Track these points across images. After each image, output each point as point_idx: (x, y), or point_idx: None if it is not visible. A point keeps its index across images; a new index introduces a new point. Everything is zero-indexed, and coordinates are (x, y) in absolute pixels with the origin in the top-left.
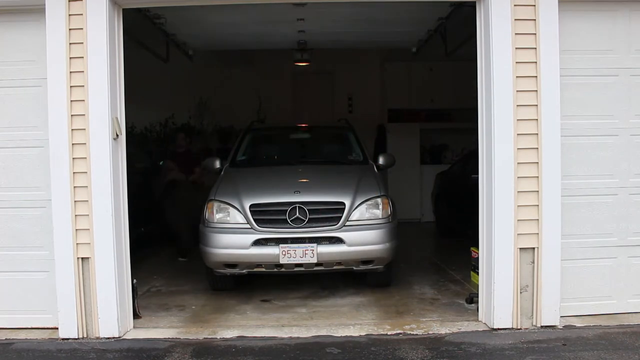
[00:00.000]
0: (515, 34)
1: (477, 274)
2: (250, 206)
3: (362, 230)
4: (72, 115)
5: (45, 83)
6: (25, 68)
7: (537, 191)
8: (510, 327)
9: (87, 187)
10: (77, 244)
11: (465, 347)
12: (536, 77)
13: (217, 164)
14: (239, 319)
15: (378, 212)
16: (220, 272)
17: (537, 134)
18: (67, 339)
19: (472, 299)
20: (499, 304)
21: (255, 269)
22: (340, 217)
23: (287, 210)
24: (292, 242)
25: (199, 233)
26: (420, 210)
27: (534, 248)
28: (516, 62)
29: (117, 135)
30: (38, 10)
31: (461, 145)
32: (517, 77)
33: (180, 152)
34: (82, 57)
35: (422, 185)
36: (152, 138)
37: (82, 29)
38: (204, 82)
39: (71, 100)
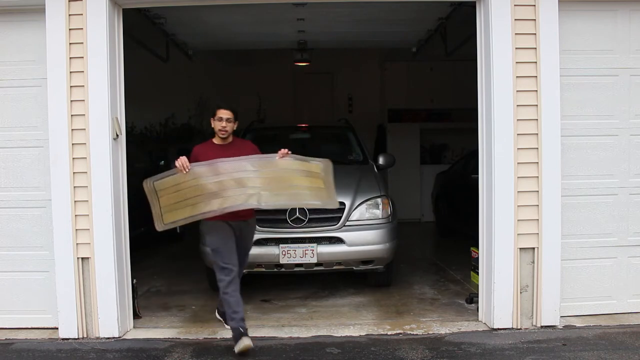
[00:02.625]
0: (515, 34)
1: (477, 274)
2: None
3: (362, 230)
4: (72, 115)
5: (45, 83)
6: (25, 68)
7: (537, 191)
8: (510, 327)
9: (87, 187)
10: (77, 244)
11: (465, 347)
12: (536, 77)
13: None
14: None
15: (378, 212)
16: None
17: (537, 134)
18: (67, 339)
19: (472, 299)
20: (499, 304)
21: (255, 269)
22: (340, 217)
23: (287, 210)
24: (292, 242)
25: (199, 234)
26: (420, 210)
27: (534, 248)
28: (516, 62)
29: (117, 135)
30: (38, 10)
31: (461, 145)
32: (517, 77)
33: (224, 146)
34: (82, 57)
35: (422, 185)
36: (152, 138)
37: (82, 29)
38: (204, 82)
39: (71, 100)
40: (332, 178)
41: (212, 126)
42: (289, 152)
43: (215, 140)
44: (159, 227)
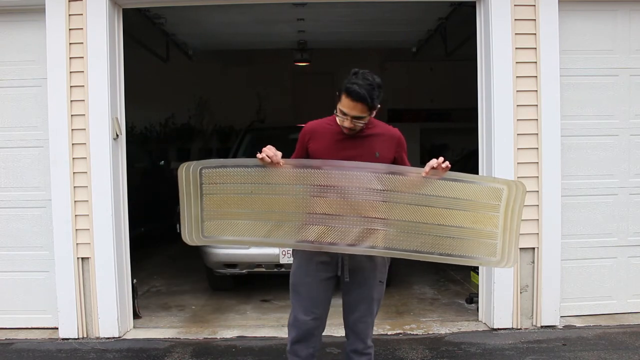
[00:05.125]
0: (515, 34)
1: (477, 274)
2: None
3: None
4: (72, 115)
5: (45, 83)
6: (25, 68)
7: (537, 191)
8: (510, 327)
9: (87, 187)
10: (77, 244)
11: (465, 347)
12: (536, 77)
13: None
14: (239, 319)
15: None
16: (220, 272)
17: (537, 134)
18: (67, 339)
19: (472, 299)
20: (498, 304)
21: (255, 269)
22: None
23: None
24: None
25: None
26: None
27: (534, 248)
28: (516, 62)
29: (117, 135)
30: (38, 10)
31: (461, 145)
32: (517, 77)
33: (352, 136)
34: (82, 57)
35: None
36: (152, 138)
37: (82, 29)
38: (204, 82)
39: (71, 100)
40: (518, 215)
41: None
42: (448, 166)
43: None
44: (192, 239)
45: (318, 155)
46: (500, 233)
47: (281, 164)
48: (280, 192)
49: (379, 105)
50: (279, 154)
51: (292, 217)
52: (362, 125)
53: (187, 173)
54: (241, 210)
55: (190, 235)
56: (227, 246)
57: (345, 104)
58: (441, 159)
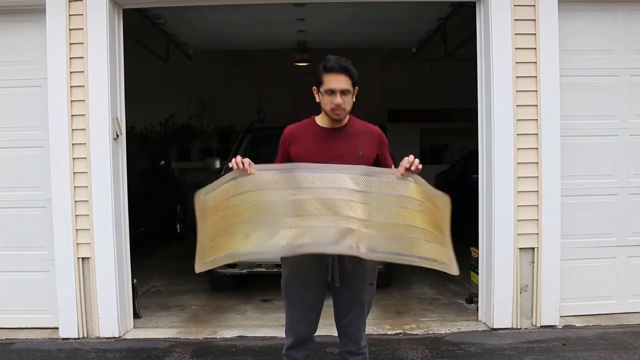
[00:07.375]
0: (515, 34)
1: (477, 274)
2: None
3: None
4: (72, 115)
5: (45, 83)
6: (25, 68)
7: (537, 191)
8: (510, 327)
9: (87, 187)
10: (77, 244)
11: (465, 347)
12: (536, 77)
13: (217, 164)
14: (239, 319)
15: None
16: (220, 272)
17: (537, 134)
18: (68, 338)
19: (472, 299)
20: (498, 304)
21: (255, 269)
22: None
23: None
24: None
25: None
26: None
27: (533, 248)
28: (516, 62)
29: (117, 135)
30: (38, 11)
31: (461, 145)
32: (517, 77)
33: (332, 132)
34: (82, 57)
35: None
36: (152, 138)
37: (82, 29)
38: (204, 82)
39: (71, 100)
40: (448, 223)
41: (317, 100)
42: (419, 166)
43: (321, 121)
44: (199, 266)
45: (301, 157)
46: (444, 238)
47: (248, 170)
48: (251, 200)
49: (357, 87)
50: (250, 163)
51: (259, 224)
52: (350, 100)
53: (199, 200)
54: (219, 228)
55: (197, 263)
56: None
57: (330, 81)
58: (411, 156)
